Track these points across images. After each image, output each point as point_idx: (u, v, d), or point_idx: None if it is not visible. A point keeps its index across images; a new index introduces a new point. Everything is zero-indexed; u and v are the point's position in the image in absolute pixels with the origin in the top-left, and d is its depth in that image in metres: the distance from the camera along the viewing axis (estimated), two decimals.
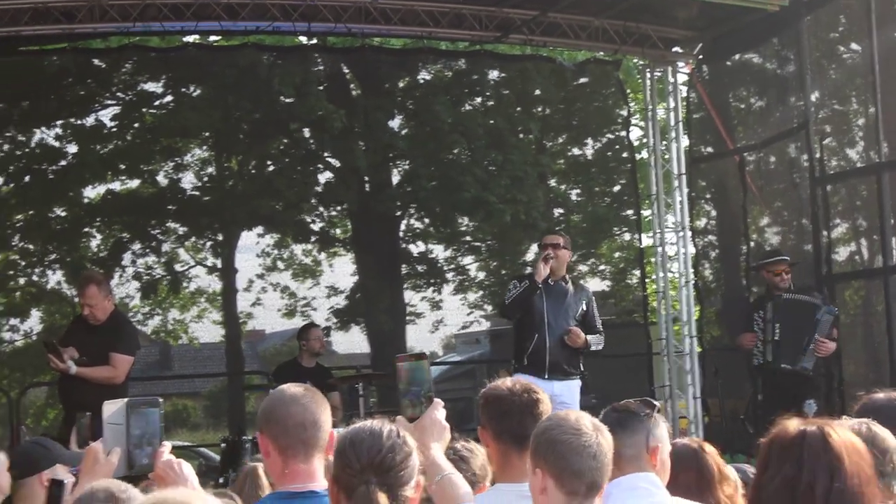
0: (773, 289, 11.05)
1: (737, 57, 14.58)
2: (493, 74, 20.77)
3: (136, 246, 20.55)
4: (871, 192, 12.52)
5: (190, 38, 16.69)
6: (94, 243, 20.90)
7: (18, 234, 20.29)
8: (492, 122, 20.14)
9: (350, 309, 21.51)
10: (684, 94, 14.68)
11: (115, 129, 19.84)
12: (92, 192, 20.54)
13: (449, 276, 22.14)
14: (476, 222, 21.07)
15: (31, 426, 19.68)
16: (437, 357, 23.82)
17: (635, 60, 15.76)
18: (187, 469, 3.91)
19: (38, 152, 19.51)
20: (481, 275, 22.56)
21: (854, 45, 13.73)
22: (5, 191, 19.82)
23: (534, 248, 18.13)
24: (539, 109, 21.80)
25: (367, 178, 20.16)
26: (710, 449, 4.75)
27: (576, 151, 22.88)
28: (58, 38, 13.09)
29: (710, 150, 14.96)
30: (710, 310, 15.07)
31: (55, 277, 20.76)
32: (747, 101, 15.11)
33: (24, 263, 20.64)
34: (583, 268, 22.92)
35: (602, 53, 14.91)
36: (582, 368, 10.28)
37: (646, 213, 16.58)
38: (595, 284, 23.02)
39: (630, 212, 20.16)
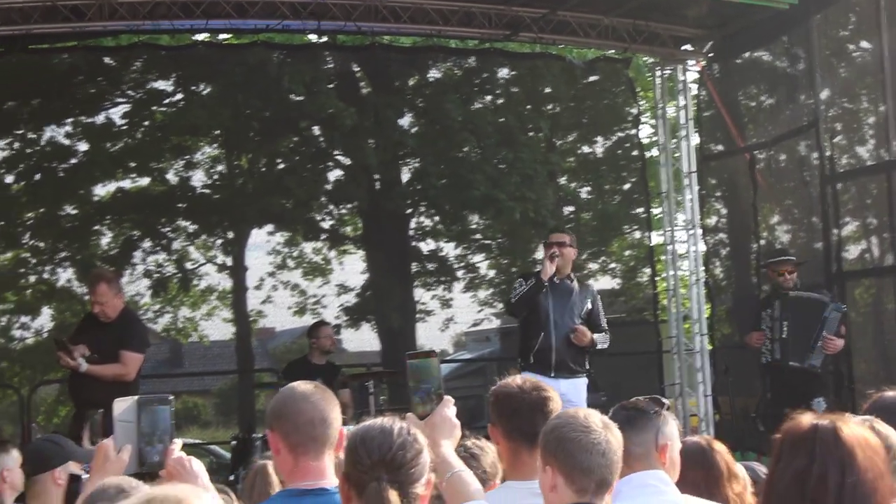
0: (779, 288, 11.06)
1: (747, 55, 14.56)
2: (503, 72, 20.77)
3: (147, 244, 20.54)
4: (881, 190, 12.51)
5: (200, 37, 16.71)
6: (104, 241, 20.91)
7: (29, 232, 20.30)
8: (502, 120, 20.12)
9: (360, 307, 21.50)
10: (694, 92, 14.68)
11: (125, 127, 19.83)
12: (102, 190, 20.55)
13: (459, 273, 22.10)
14: (486, 220, 21.07)
15: (41, 424, 19.70)
16: (448, 355, 23.74)
17: (645, 59, 15.77)
18: (198, 466, 3.92)
19: (49, 150, 19.52)
20: (491, 272, 22.52)
21: (864, 43, 13.69)
22: (16, 189, 19.83)
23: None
24: (549, 107, 21.76)
25: (377, 176, 20.14)
26: (719, 447, 4.75)
27: (586, 149, 22.84)
28: (68, 36, 13.13)
29: (720, 148, 14.95)
30: (721, 308, 15.06)
31: (66, 275, 20.76)
32: (757, 98, 15.09)
33: (34, 261, 20.63)
34: (593, 266, 22.89)
35: (612, 52, 14.91)
36: (588, 367, 10.29)
37: (656, 211, 16.61)
38: (605, 282, 23.02)
39: (640, 210, 20.15)
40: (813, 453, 3.00)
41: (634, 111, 17.97)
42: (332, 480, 3.89)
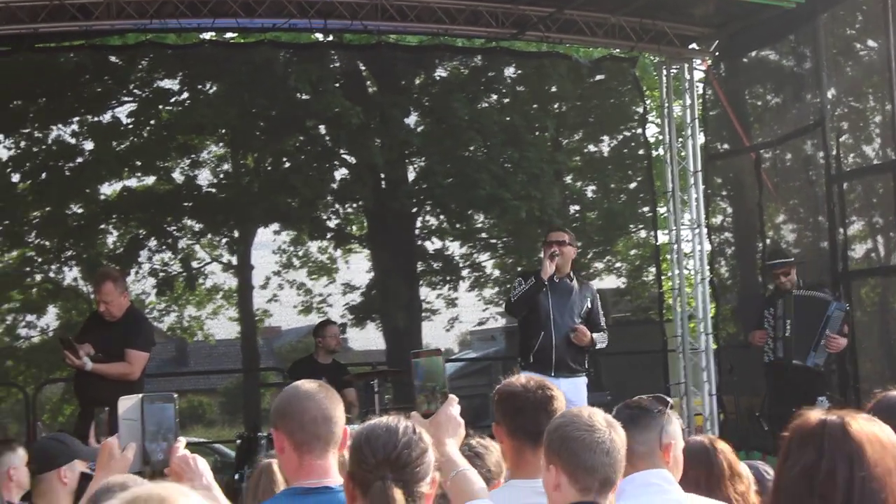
0: (779, 288, 11.08)
1: (753, 54, 14.56)
2: (510, 71, 20.78)
3: (153, 243, 20.57)
4: (887, 190, 12.51)
5: (206, 36, 16.72)
6: (110, 240, 20.93)
7: (35, 231, 20.32)
8: (508, 119, 20.14)
9: (366, 306, 21.51)
10: (700, 91, 14.66)
11: (131, 126, 19.84)
12: (108, 189, 20.56)
13: (464, 272, 22.12)
14: (492, 219, 21.08)
15: (47, 422, 19.73)
16: (453, 354, 23.75)
17: (651, 57, 15.74)
18: (202, 464, 3.93)
19: (55, 149, 19.54)
20: (497, 272, 22.55)
21: (871, 42, 13.69)
22: (22, 187, 19.86)
23: None
24: (555, 106, 21.78)
25: (383, 175, 20.15)
26: (722, 446, 4.75)
27: (592, 148, 22.84)
28: (74, 35, 13.13)
29: (726, 147, 14.95)
30: (726, 307, 15.07)
31: (71, 274, 20.80)
32: (763, 97, 15.08)
33: (40, 260, 20.67)
34: (598, 265, 22.92)
35: (618, 50, 14.92)
36: (587, 366, 10.27)
37: (662, 210, 16.61)
38: (611, 281, 23.06)
39: (646, 209, 20.15)
40: (821, 448, 2.99)
41: (640, 110, 18.00)
42: (336, 479, 3.89)
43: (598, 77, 20.65)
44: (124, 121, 19.77)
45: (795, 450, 3.06)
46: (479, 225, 21.77)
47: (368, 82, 20.84)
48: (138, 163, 20.19)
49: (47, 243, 20.45)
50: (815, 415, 3.11)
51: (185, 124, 19.99)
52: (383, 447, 3.38)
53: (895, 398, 4.52)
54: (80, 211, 20.40)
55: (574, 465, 3.70)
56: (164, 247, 20.67)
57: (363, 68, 20.49)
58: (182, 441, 3.98)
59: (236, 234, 21.51)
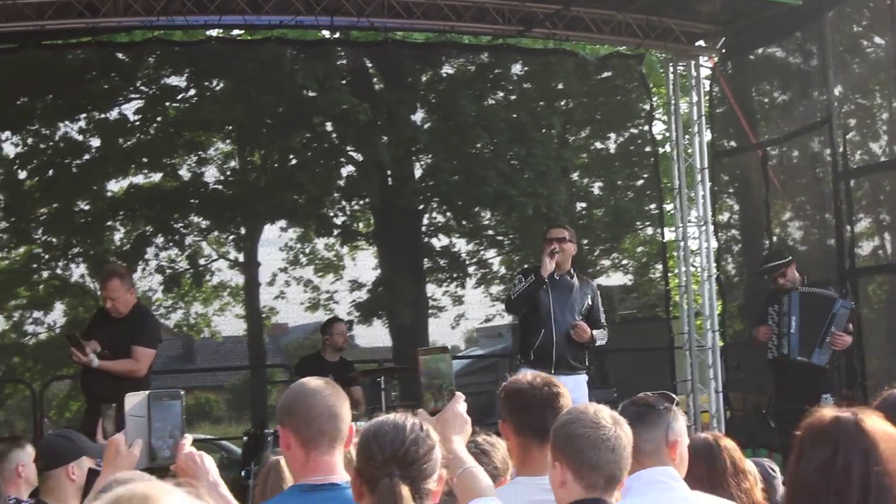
0: (780, 289, 11.05)
1: (760, 51, 14.54)
2: (516, 68, 20.79)
3: (159, 239, 20.59)
4: (894, 187, 12.51)
5: (213, 32, 16.71)
6: (117, 237, 20.97)
7: (42, 228, 20.38)
8: (514, 116, 20.12)
9: (372, 303, 21.53)
10: (707, 89, 14.66)
11: (138, 123, 19.88)
12: (115, 186, 20.62)
13: (471, 269, 22.13)
14: (498, 216, 21.08)
15: (54, 419, 19.77)
16: (459, 351, 23.81)
17: (658, 54, 15.73)
18: (209, 461, 3.93)
19: (62, 146, 19.58)
20: (503, 269, 22.55)
21: (878, 39, 13.68)
22: (29, 184, 19.89)
23: None
24: (562, 103, 21.78)
25: (389, 172, 20.16)
26: (726, 443, 4.74)
27: (598, 146, 22.83)
28: (81, 32, 13.16)
29: (732, 144, 14.92)
30: (733, 304, 15.04)
31: (78, 271, 20.87)
32: (770, 95, 15.07)
33: (47, 257, 20.71)
34: (605, 262, 22.93)
35: (625, 48, 14.90)
36: (587, 363, 10.25)
37: (668, 207, 16.59)
38: (617, 278, 23.08)
39: (653, 206, 20.17)
40: (837, 445, 3.00)
41: (647, 107, 17.95)
42: (342, 475, 3.89)
43: (605, 74, 20.65)
44: (131, 118, 19.81)
45: (809, 447, 3.06)
46: (486, 222, 21.77)
47: (375, 79, 20.85)
48: (145, 160, 20.23)
49: (54, 240, 20.50)
50: (827, 412, 3.12)
51: (191, 121, 20.01)
52: (391, 444, 3.40)
53: None
54: (87, 208, 20.44)
55: (579, 462, 3.70)
56: (170, 244, 20.68)
57: (370, 65, 20.50)
58: (189, 438, 3.98)
59: (243, 230, 21.53)
